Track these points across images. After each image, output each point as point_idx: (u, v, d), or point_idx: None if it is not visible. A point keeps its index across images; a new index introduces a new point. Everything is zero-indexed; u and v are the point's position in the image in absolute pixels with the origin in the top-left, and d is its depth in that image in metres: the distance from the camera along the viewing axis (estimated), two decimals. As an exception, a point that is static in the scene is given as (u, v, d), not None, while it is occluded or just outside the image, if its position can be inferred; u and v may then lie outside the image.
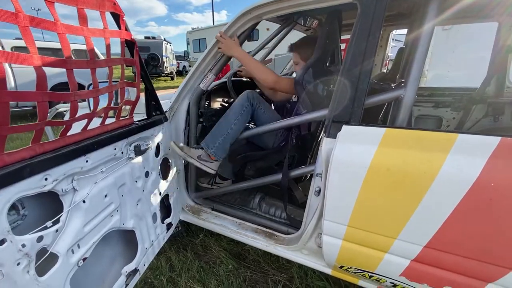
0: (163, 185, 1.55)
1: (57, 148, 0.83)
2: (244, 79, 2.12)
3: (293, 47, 1.59)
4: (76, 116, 0.85)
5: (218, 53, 1.53)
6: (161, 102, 1.48)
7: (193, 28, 13.49)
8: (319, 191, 1.32)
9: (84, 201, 0.94)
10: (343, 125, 1.11)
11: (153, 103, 1.41)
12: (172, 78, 15.69)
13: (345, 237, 1.17)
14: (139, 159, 1.28)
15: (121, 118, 1.15)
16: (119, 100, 1.11)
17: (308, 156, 1.56)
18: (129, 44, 1.09)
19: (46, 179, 0.79)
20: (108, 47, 0.94)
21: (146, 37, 15.56)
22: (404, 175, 0.99)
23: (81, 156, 0.91)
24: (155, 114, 1.45)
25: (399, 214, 1.03)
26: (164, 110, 1.56)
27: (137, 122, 1.26)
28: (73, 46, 6.90)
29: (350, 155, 1.08)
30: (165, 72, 14.93)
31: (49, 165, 0.79)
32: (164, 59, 14.66)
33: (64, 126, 0.84)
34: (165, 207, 1.69)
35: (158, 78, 15.45)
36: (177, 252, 2.05)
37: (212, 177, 2.02)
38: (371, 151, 1.04)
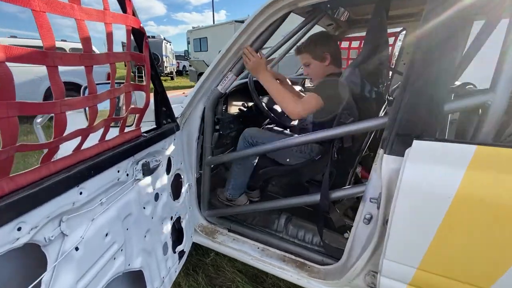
0: (175, 207, 1.29)
1: (36, 180, 0.57)
2: None
3: (301, 49, 1.39)
4: (65, 134, 0.59)
5: (240, 50, 1.28)
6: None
7: (193, 27, 13.18)
8: (370, 218, 1.07)
9: (77, 248, 0.68)
10: (413, 140, 0.86)
11: (164, 109, 1.15)
12: (172, 78, 15.41)
13: (412, 281, 0.92)
14: (148, 179, 1.03)
15: (125, 130, 0.90)
16: (123, 108, 0.85)
17: (349, 173, 1.30)
18: (137, 35, 0.84)
19: (19, 228, 0.53)
20: (109, 36, 0.67)
21: (145, 36, 15.28)
22: (505, 209, 0.74)
23: (72, 188, 0.66)
24: (166, 123, 1.20)
25: (495, 258, 0.78)
26: (176, 117, 1.31)
27: (145, 134, 1.00)
28: (71, 45, 6.62)
29: (427, 179, 0.82)
30: (165, 72, 14.65)
31: (25, 207, 0.54)
32: (164, 58, 14.38)
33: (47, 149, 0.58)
34: (176, 230, 1.43)
35: (158, 78, 15.13)
36: (186, 275, 1.79)
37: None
38: (457, 176, 0.78)
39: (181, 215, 1.35)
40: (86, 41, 0.59)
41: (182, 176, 1.37)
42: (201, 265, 1.85)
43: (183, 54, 17.62)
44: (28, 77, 5.43)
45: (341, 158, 1.21)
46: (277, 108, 1.72)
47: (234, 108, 1.62)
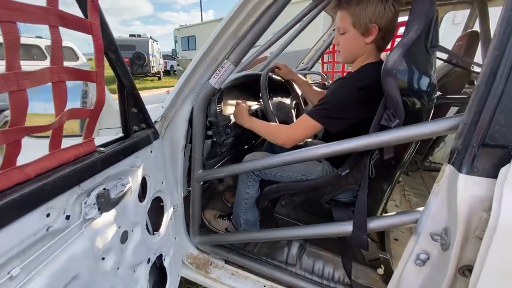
0: (154, 243, 0.95)
1: None
2: (278, 79, 1.51)
3: (343, 3, 0.96)
4: None
5: (242, 27, 0.95)
6: (148, 107, 0.89)
7: (181, 25, 12.73)
8: (427, 259, 0.77)
9: None
10: (512, 155, 0.56)
11: (133, 111, 0.81)
12: (159, 78, 14.86)
13: None
14: (109, 215, 0.69)
15: (67, 145, 0.56)
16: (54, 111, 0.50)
17: (385, 193, 1.00)
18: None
19: None
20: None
21: (131, 35, 14.73)
22: None
23: None
24: (139, 129, 0.86)
25: None
26: (154, 121, 0.97)
27: (101, 149, 0.66)
28: (47, 42, 6.09)
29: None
30: (152, 71, 14.12)
31: None
32: (151, 58, 13.86)
33: None
34: (157, 267, 1.09)
35: (145, 78, 14.59)
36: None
37: (226, 215, 1.43)
38: None
39: (163, 252, 1.01)
40: None
41: (163, 200, 1.03)
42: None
43: (171, 54, 17.13)
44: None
45: (375, 173, 0.90)
46: (289, 119, 1.39)
47: (232, 108, 1.30)
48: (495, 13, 1.44)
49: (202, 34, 10.98)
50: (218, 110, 1.15)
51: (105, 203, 0.65)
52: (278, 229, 1.07)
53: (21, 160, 0.46)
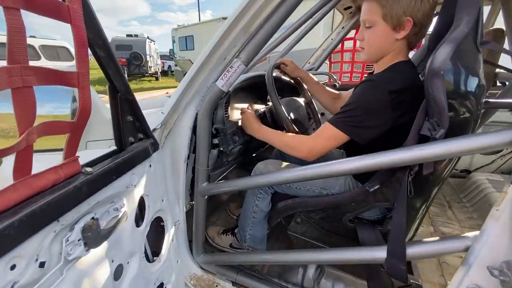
0: (153, 272, 0.82)
1: None
2: (286, 78, 1.37)
3: None
4: None
5: (254, 21, 0.82)
6: (145, 113, 0.75)
7: (179, 25, 12.55)
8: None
9: None
10: None
11: (129, 119, 0.68)
12: (157, 79, 14.67)
13: None
14: (99, 250, 0.55)
15: (37, 170, 0.43)
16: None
17: (418, 215, 0.87)
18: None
19: None
20: None
21: (128, 35, 14.54)
22: None
23: None
24: (135, 141, 0.73)
25: None
26: (152, 128, 0.84)
27: (88, 170, 0.52)
28: (41, 41, 5.92)
29: None
30: (149, 72, 13.92)
31: None
32: (148, 58, 13.68)
33: None
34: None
35: (142, 79, 14.40)
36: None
37: (230, 229, 1.30)
38: None
39: (164, 280, 0.88)
40: None
41: (164, 219, 0.90)
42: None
43: (168, 54, 16.94)
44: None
45: (416, 191, 0.77)
46: (302, 120, 1.24)
47: (238, 112, 1.17)
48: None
49: (201, 34, 10.80)
50: (224, 115, 1.02)
51: (93, 237, 0.52)
52: (294, 251, 0.94)
53: None
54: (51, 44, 5.62)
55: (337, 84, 2.08)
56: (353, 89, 1.23)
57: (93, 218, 0.54)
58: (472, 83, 0.70)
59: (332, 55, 2.21)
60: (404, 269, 0.70)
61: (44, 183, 0.43)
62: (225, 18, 10.10)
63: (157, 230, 0.91)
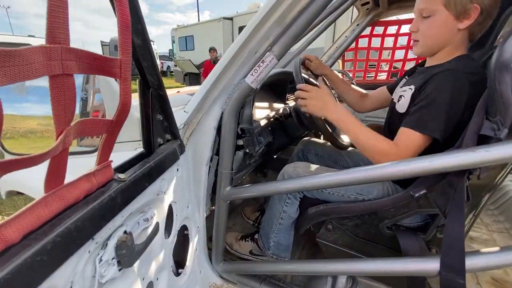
0: (181, 285, 0.74)
1: None
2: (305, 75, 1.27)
3: None
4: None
5: (289, 12, 0.75)
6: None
7: (178, 25, 12.46)
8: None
9: None
10: None
11: (159, 118, 0.61)
12: (156, 79, 14.58)
13: None
14: (130, 270, 0.48)
15: (67, 181, 0.35)
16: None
17: (469, 220, 0.80)
18: None
19: None
20: None
21: (126, 35, 14.44)
22: None
23: None
24: (163, 142, 0.65)
25: None
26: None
27: (121, 176, 0.45)
28: (40, 41, 5.79)
29: None
30: (148, 72, 13.84)
31: None
32: (147, 58, 13.58)
33: None
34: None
35: (141, 79, 14.30)
36: None
37: (250, 235, 1.23)
38: None
39: (189, 293, 0.81)
40: None
41: (188, 227, 0.82)
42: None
43: (167, 54, 16.82)
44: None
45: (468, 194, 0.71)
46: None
47: (260, 111, 1.09)
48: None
49: (201, 34, 10.71)
50: (250, 114, 0.95)
51: (128, 254, 0.45)
52: (324, 261, 0.86)
53: None
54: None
55: (355, 82, 2.02)
56: (380, 88, 1.16)
57: (125, 232, 0.46)
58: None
59: (345, 53, 2.14)
60: (463, 283, 0.63)
61: (77, 194, 0.36)
62: (225, 18, 10.00)
63: (180, 240, 0.83)
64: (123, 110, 0.38)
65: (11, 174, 0.27)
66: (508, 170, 0.76)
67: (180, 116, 0.84)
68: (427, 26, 0.75)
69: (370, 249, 0.94)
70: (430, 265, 0.69)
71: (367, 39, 2.05)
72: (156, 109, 0.58)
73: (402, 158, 0.69)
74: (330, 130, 0.96)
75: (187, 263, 0.81)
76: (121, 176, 0.45)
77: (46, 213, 0.31)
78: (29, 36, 6.20)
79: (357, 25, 1.99)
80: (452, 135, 0.72)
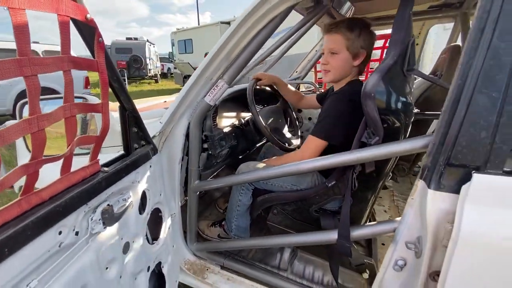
0: (153, 252, 1.01)
1: None
2: (267, 88, 1.58)
3: (339, 27, 1.02)
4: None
5: (234, 50, 1.02)
6: (146, 122, 0.95)
7: (177, 29, 12.79)
8: (404, 265, 0.84)
9: None
10: (473, 173, 0.64)
11: (134, 130, 0.88)
12: (156, 81, 14.90)
13: None
14: (112, 229, 0.75)
15: (76, 168, 0.62)
16: (86, 131, 0.57)
17: (369, 204, 1.07)
18: (84, 30, 0.57)
19: None
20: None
21: (127, 38, 14.76)
22: None
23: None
24: (139, 146, 0.92)
25: None
26: (152, 135, 1.04)
27: (105, 169, 0.72)
28: (45, 47, 6.11)
29: (500, 231, 0.60)
30: (149, 74, 14.17)
31: None
32: (148, 61, 13.91)
33: None
34: (155, 274, 1.15)
35: (142, 81, 14.64)
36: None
37: (218, 222, 1.50)
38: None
39: (162, 259, 1.08)
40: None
41: (161, 210, 1.09)
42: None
43: (168, 56, 17.16)
44: (-5, 82, 4.98)
45: (359, 185, 0.98)
46: (279, 126, 1.46)
47: (226, 120, 1.37)
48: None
49: (199, 38, 11.04)
50: (213, 125, 1.22)
51: (109, 218, 0.72)
52: (269, 236, 1.14)
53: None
54: (55, 49, 5.82)
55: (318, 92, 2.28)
56: (311, 95, 1.49)
57: (108, 204, 0.73)
58: (400, 102, 0.90)
59: (317, 65, 2.41)
60: (348, 246, 0.90)
61: (77, 178, 0.63)
62: (222, 22, 10.19)
63: (156, 220, 1.10)
64: (104, 130, 0.65)
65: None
66: (393, 165, 1.02)
67: (156, 126, 1.11)
68: (335, 61, 1.04)
69: (304, 228, 1.21)
70: (332, 236, 0.95)
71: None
72: (132, 124, 0.85)
73: (304, 156, 1.02)
74: (274, 137, 1.23)
75: (160, 236, 1.08)
76: (105, 169, 0.73)
77: (61, 187, 0.58)
78: (34, 42, 6.51)
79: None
80: (351, 140, 0.98)
